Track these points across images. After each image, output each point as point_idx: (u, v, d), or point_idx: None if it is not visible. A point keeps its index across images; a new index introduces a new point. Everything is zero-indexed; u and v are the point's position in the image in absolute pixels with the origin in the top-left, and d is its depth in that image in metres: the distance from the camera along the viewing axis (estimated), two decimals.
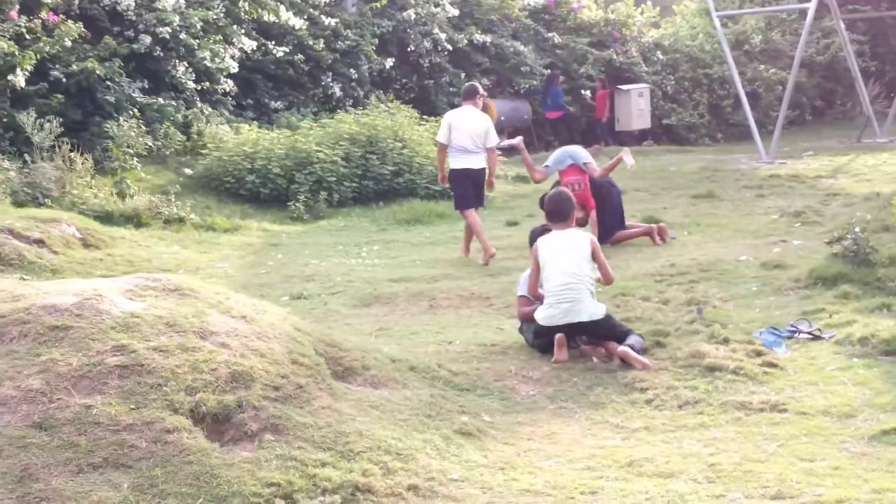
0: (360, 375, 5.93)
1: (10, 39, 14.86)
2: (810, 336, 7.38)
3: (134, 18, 17.35)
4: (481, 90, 12.52)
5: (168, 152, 16.52)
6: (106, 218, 13.36)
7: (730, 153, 21.95)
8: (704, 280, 9.59)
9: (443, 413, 5.72)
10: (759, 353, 6.92)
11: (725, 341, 7.17)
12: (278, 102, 20.01)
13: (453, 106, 22.47)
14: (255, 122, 18.62)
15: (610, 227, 11.97)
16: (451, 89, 23.01)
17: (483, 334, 8.04)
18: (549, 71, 24.15)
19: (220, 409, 4.95)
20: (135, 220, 13.56)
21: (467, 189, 11.91)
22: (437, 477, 4.90)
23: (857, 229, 9.05)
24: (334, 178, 15.88)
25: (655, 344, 7.25)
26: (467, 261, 11.63)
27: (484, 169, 11.96)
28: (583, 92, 24.42)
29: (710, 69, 26.61)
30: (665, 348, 7.16)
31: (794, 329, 7.52)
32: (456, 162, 11.83)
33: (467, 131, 11.72)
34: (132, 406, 4.79)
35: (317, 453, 4.85)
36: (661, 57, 26.26)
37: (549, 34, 25.19)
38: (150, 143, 16.03)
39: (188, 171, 16.22)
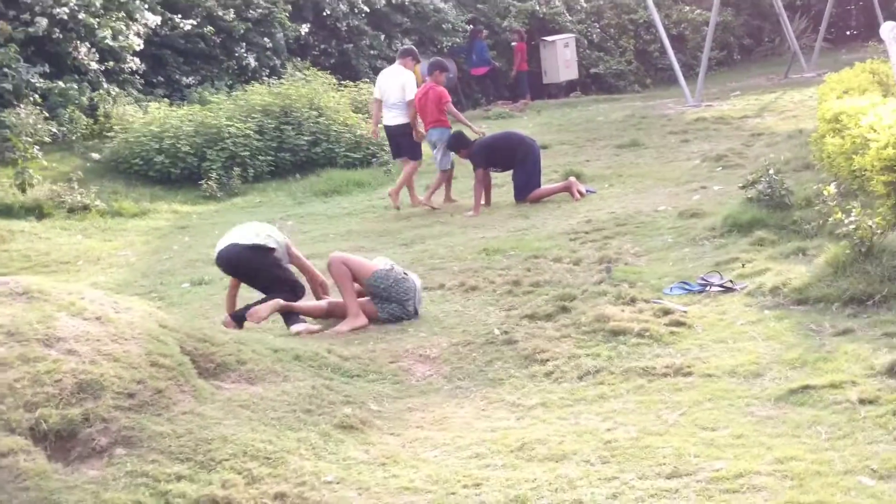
0: (234, 371, 5.49)
1: None
2: (722, 289, 7.05)
3: (30, 1, 16.57)
4: (415, 54, 13.02)
5: (74, 137, 15.86)
6: (5, 212, 12.79)
7: (658, 99, 21.60)
8: (620, 235, 9.26)
9: (324, 406, 5.30)
10: (666, 312, 6.56)
11: (632, 301, 6.83)
12: (190, 78, 19.31)
13: (375, 69, 22.02)
14: (167, 99, 17.98)
15: (526, 184, 11.59)
16: (372, 52, 22.47)
17: None
18: (471, 27, 23.63)
19: (63, 424, 4.49)
20: (36, 211, 12.98)
21: (391, 143, 12.87)
22: (308, 481, 4.49)
23: (770, 171, 8.72)
24: (248, 153, 15.34)
25: (561, 309, 6.87)
26: (381, 231, 11.18)
27: (403, 124, 12.31)
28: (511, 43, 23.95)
29: (635, 14, 26.23)
30: (570, 313, 6.78)
31: (704, 283, 7.19)
32: (384, 118, 12.54)
33: (388, 87, 12.35)
34: None
35: (173, 466, 4.42)
36: (584, 5, 25.84)
37: None
38: (54, 130, 15.42)
39: (95, 155, 15.58)
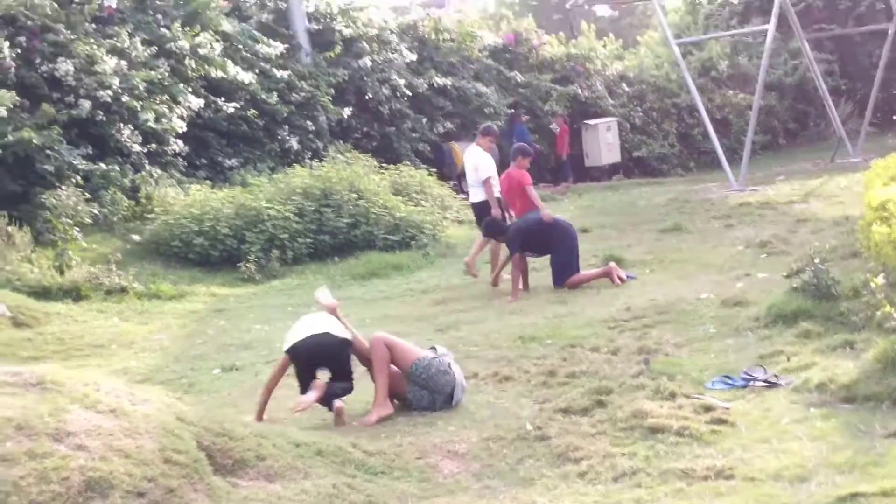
0: (252, 468, 5.27)
1: None
2: (766, 384, 6.76)
3: (73, 84, 16.77)
4: (492, 130, 13.43)
5: (115, 219, 15.91)
6: (43, 293, 12.73)
7: (701, 182, 21.46)
8: (661, 324, 8.98)
9: None
10: (707, 409, 6.28)
11: (672, 396, 6.55)
12: (233, 160, 19.41)
13: (416, 152, 22.11)
14: (209, 181, 18.05)
15: (564, 269, 11.38)
16: (414, 135, 22.52)
17: None
18: (511, 111, 23.67)
19: None
20: (74, 293, 12.91)
21: (476, 219, 13.38)
22: None
23: (816, 260, 8.44)
24: (287, 235, 15.27)
25: (597, 403, 6.61)
26: (418, 316, 10.99)
27: (482, 201, 12.72)
28: (551, 126, 23.93)
29: (678, 98, 26.18)
30: (606, 408, 6.51)
31: (748, 377, 6.89)
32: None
33: (467, 167, 13.11)
34: None
35: None
36: (626, 89, 25.85)
37: (512, 73, 24.77)
38: (95, 211, 15.47)
39: (136, 237, 15.60)
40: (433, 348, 7.55)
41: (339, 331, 7.30)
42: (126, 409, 5.10)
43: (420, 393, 7.11)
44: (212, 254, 15.09)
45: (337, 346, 7.24)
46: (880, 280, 6.68)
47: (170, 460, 4.83)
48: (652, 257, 12.81)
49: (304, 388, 7.15)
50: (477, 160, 12.72)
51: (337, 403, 6.99)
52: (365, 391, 7.34)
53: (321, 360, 7.20)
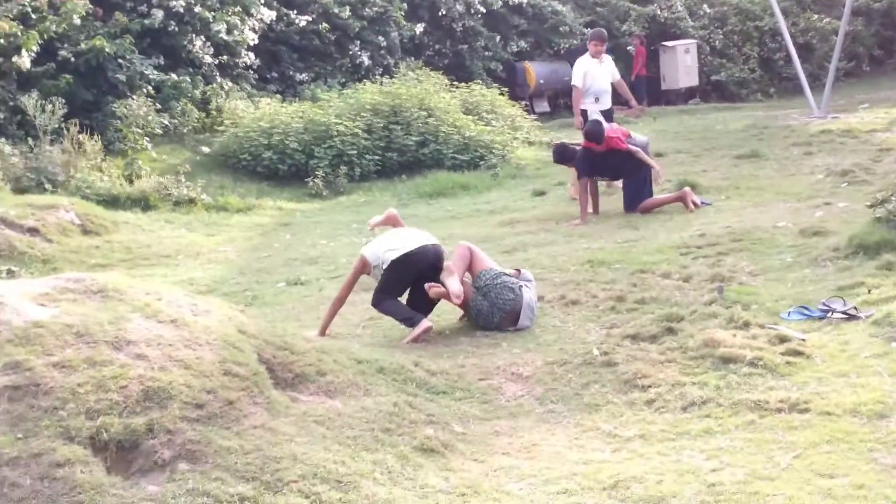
0: (313, 383, 5.19)
1: (13, 20, 14.30)
2: (845, 316, 6.49)
3: None
4: (595, 35, 13.26)
5: (185, 130, 15.95)
6: (112, 202, 12.80)
7: (781, 109, 20.81)
8: (735, 252, 8.69)
9: (404, 426, 4.96)
10: (782, 340, 6.03)
11: (745, 325, 6.30)
12: (304, 74, 19.30)
13: (489, 71, 21.75)
14: (280, 95, 17.97)
15: (637, 195, 11.08)
16: (487, 53, 22.15)
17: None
18: (588, 30, 23.11)
19: (126, 434, 4.24)
20: (142, 203, 12.98)
21: None
22: None
23: None
24: (355, 152, 15.14)
25: (666, 331, 6.40)
26: (484, 237, 10.81)
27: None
28: (629, 48, 23.36)
29: (761, 21, 25.35)
30: (676, 336, 6.29)
31: (826, 308, 6.63)
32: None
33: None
34: (20, 435, 4.10)
35: (237, 485, 4.12)
36: (707, 10, 25.08)
37: None
38: (165, 122, 15.48)
39: (205, 149, 15.61)
40: (518, 270, 7.48)
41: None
42: (187, 319, 5.03)
43: (481, 303, 7.06)
44: (280, 168, 15.04)
45: (440, 259, 7.27)
46: None
47: (229, 372, 4.76)
48: (728, 184, 12.44)
49: (411, 298, 7.23)
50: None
51: (426, 323, 6.89)
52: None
53: (432, 269, 7.21)
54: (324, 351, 5.54)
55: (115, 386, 4.40)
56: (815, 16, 25.65)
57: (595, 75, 12.69)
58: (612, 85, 12.87)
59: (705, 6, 25.07)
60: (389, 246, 7.24)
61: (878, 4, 26.37)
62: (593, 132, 11.06)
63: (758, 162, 14.12)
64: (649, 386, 5.59)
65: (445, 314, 7.50)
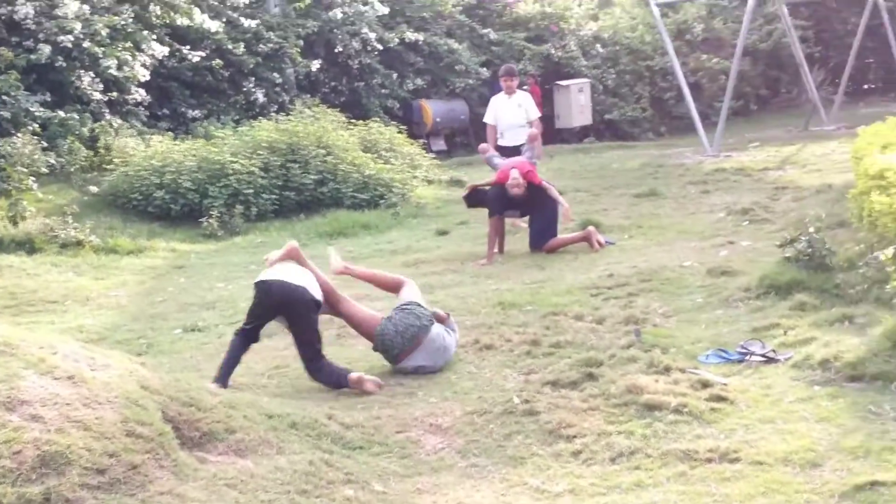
0: (222, 442, 4.85)
1: None
2: (763, 359, 6.42)
3: (33, 27, 16.13)
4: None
5: (73, 169, 15.33)
6: None
7: (674, 147, 21.11)
8: (645, 292, 8.62)
9: (322, 486, 4.65)
10: (705, 385, 5.92)
11: (666, 370, 6.18)
12: (197, 111, 18.83)
13: (386, 109, 21.57)
14: (172, 132, 17.47)
15: (543, 232, 10.98)
16: (384, 91, 21.97)
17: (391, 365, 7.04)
18: (484, 69, 23.17)
19: None
20: (27, 245, 12.36)
21: None
22: None
23: (811, 229, 8.12)
24: (251, 191, 14.74)
25: (587, 376, 6.23)
26: None
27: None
28: (524, 87, 23.42)
29: (652, 61, 25.77)
30: (597, 381, 6.13)
31: (744, 351, 6.55)
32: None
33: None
34: None
35: None
36: (600, 50, 25.37)
37: (485, 30, 24.23)
38: (52, 161, 14.89)
39: (93, 188, 15.03)
40: (448, 314, 7.35)
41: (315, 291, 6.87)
42: (85, 375, 4.65)
43: (387, 325, 6.90)
44: (172, 208, 14.55)
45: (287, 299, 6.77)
46: (890, 252, 6.32)
47: (133, 433, 4.40)
48: (629, 222, 12.44)
49: None
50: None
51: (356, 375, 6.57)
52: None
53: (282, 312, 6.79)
54: (232, 406, 5.21)
55: (7, 451, 4.01)
56: (705, 56, 26.16)
57: (504, 111, 12.66)
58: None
59: (598, 46, 25.36)
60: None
61: (764, 45, 27.04)
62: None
63: (656, 200, 14.20)
64: (574, 436, 5.39)
65: (355, 362, 7.20)
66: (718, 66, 25.66)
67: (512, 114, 12.70)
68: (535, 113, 12.88)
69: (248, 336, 6.78)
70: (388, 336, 6.86)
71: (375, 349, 7.02)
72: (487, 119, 12.95)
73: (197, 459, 4.60)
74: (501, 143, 12.52)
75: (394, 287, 7.49)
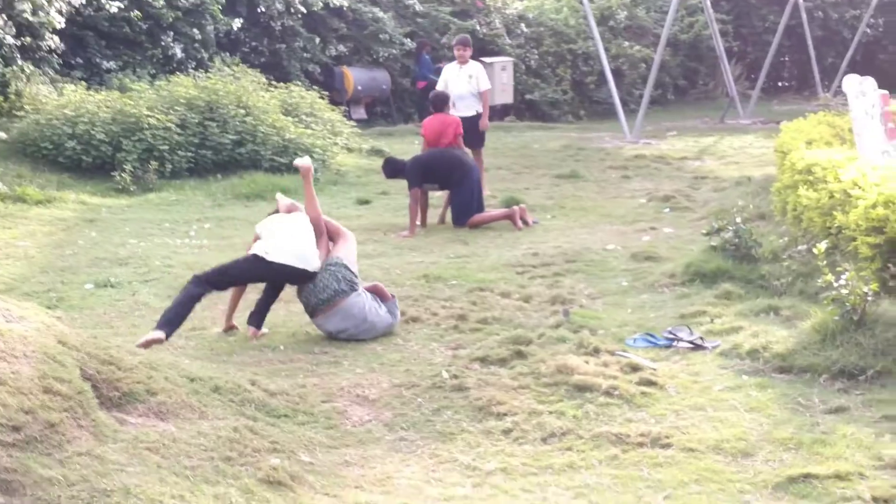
0: (142, 403, 4.64)
1: None
2: (691, 345, 6.41)
3: None
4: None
5: None
6: None
7: (593, 131, 21.16)
8: (571, 273, 8.58)
9: (247, 454, 4.48)
10: (634, 368, 5.88)
11: (596, 352, 6.13)
12: (112, 63, 18.19)
13: (307, 73, 21.19)
14: (85, 82, 16.87)
15: (466, 208, 10.88)
16: (306, 55, 21.56)
17: (315, 332, 6.86)
18: (408, 40, 22.91)
19: None
20: None
21: None
22: None
23: (737, 220, 8.15)
24: (167, 147, 14.31)
25: (516, 354, 6.14)
26: None
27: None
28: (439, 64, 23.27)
29: (575, 44, 25.74)
30: (527, 360, 6.05)
31: (672, 336, 6.53)
32: None
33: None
34: None
35: None
36: (525, 30, 25.26)
37: (411, 1, 23.93)
38: None
39: (2, 134, 14.42)
40: (393, 296, 7.20)
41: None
42: (1, 327, 4.40)
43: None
44: (84, 159, 14.05)
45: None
46: (822, 246, 6.34)
47: (50, 390, 4.17)
48: (552, 202, 12.42)
49: None
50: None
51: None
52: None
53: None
54: (153, 367, 4.98)
55: None
56: (627, 43, 26.26)
57: (455, 81, 12.51)
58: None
59: (523, 25, 25.26)
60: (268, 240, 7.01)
61: (685, 36, 27.27)
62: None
63: (577, 182, 14.21)
64: (505, 414, 5.30)
65: (277, 327, 7.02)
66: (640, 53, 25.79)
67: (463, 84, 12.56)
68: (486, 84, 12.87)
69: (211, 289, 6.65)
70: (307, 291, 6.86)
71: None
72: (439, 87, 12.72)
73: (116, 420, 4.39)
74: (455, 113, 12.32)
75: (332, 234, 7.35)
